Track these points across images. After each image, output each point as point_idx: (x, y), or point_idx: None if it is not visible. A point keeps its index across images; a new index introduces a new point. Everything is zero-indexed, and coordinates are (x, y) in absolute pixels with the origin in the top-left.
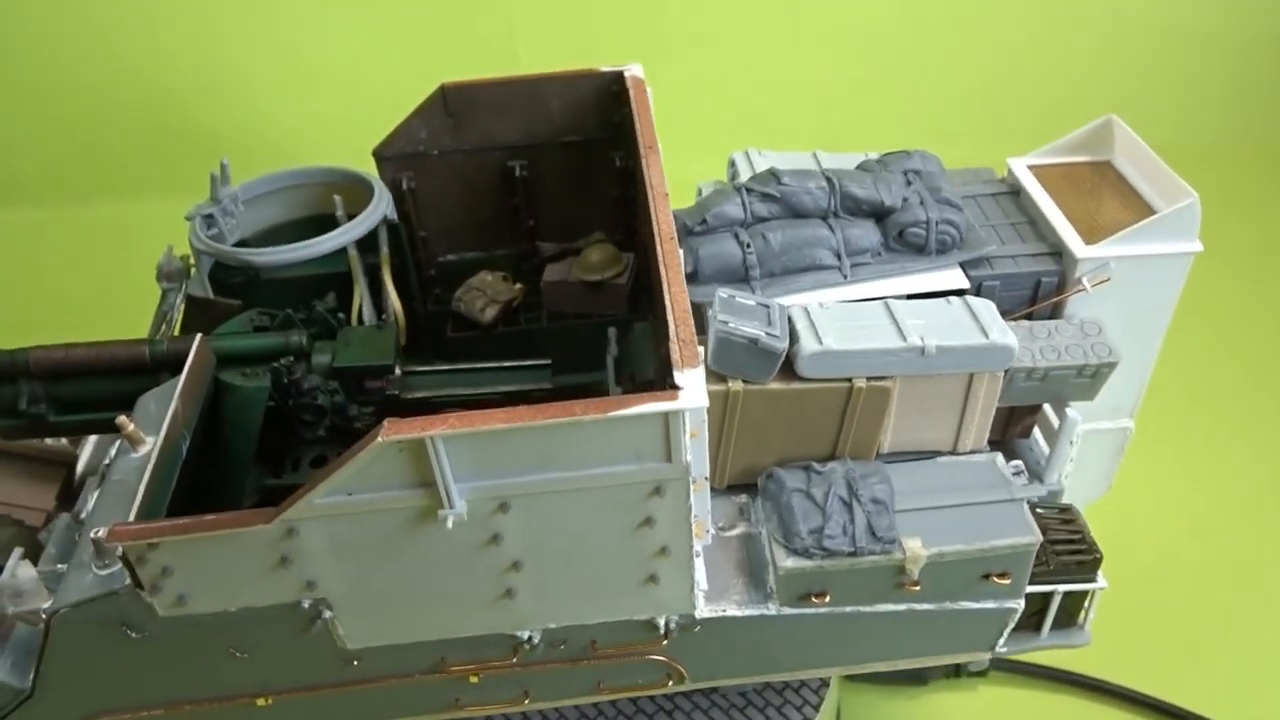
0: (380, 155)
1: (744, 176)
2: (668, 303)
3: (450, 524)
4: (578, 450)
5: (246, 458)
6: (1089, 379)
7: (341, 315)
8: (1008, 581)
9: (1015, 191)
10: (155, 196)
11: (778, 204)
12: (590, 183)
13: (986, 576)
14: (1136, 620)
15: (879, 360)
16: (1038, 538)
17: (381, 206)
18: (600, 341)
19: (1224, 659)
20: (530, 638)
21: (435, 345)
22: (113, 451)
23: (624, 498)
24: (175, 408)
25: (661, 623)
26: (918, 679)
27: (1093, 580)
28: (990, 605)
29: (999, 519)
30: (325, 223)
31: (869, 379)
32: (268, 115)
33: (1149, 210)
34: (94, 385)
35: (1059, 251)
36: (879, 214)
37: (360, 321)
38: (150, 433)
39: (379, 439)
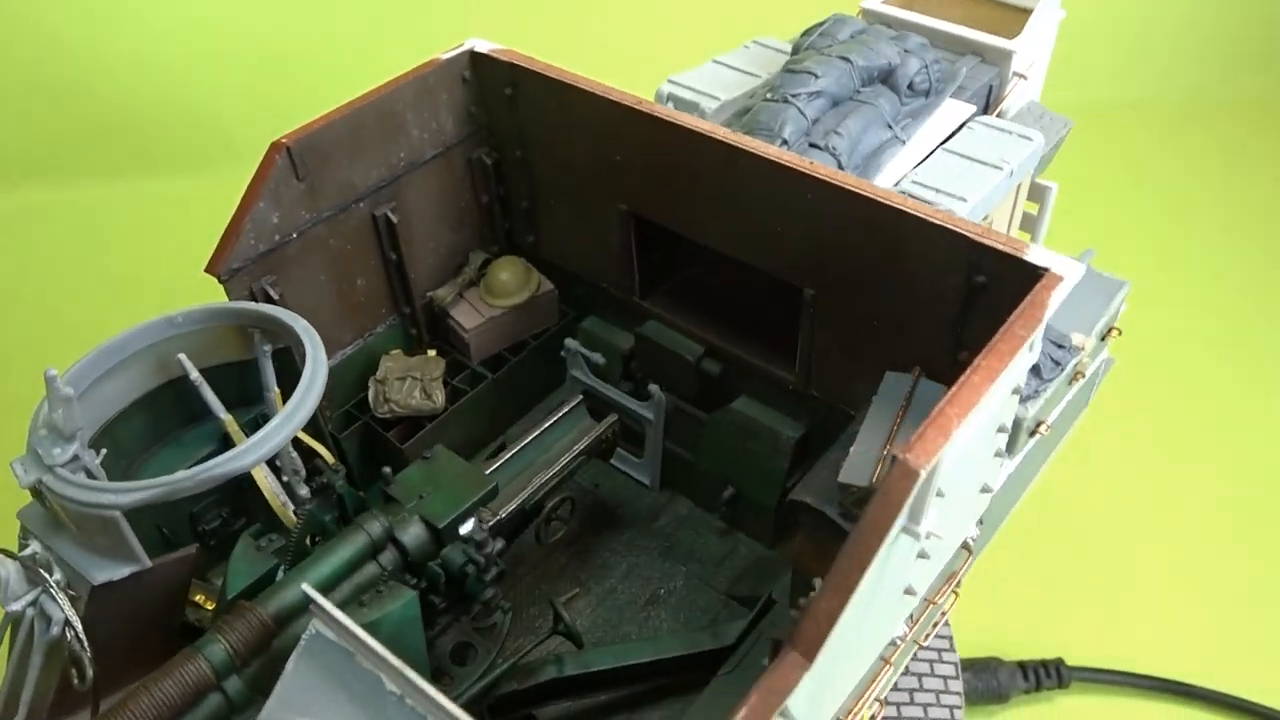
0: (227, 272)
1: (705, 105)
2: (944, 222)
3: (936, 539)
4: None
5: None
6: (1057, 149)
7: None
8: (1117, 334)
9: (887, 24)
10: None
11: (822, 99)
12: (459, 197)
13: (1104, 337)
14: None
15: (994, 195)
16: (1127, 287)
17: (321, 354)
18: (543, 360)
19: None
20: (902, 635)
21: (373, 464)
22: None
23: (1005, 404)
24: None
25: (975, 532)
26: (998, 697)
27: None
28: (1099, 363)
29: (1096, 291)
30: (175, 391)
31: (985, 217)
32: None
33: None
34: None
35: (982, 55)
36: (885, 76)
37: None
38: None
39: (920, 474)
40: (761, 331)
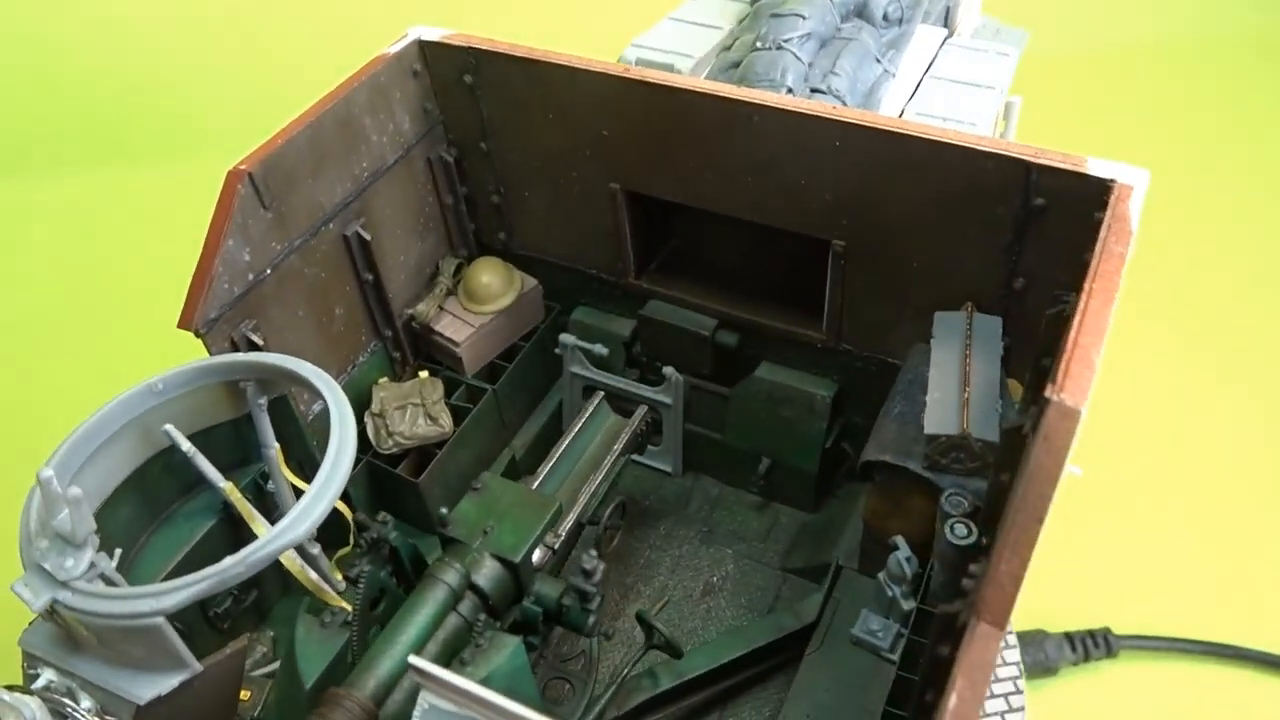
0: (205, 323)
1: (680, 65)
2: (995, 148)
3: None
4: None
5: None
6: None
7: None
8: None
9: None
10: None
11: (812, 40)
12: (422, 202)
13: None
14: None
15: (992, 115)
16: None
17: (342, 399)
18: (538, 361)
19: None
20: None
21: (383, 506)
22: None
23: None
24: None
25: None
26: (1046, 670)
27: None
28: None
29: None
30: (163, 462)
31: None
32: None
33: None
34: None
35: None
36: (860, 9)
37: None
38: None
39: (1081, 412)
40: (777, 292)
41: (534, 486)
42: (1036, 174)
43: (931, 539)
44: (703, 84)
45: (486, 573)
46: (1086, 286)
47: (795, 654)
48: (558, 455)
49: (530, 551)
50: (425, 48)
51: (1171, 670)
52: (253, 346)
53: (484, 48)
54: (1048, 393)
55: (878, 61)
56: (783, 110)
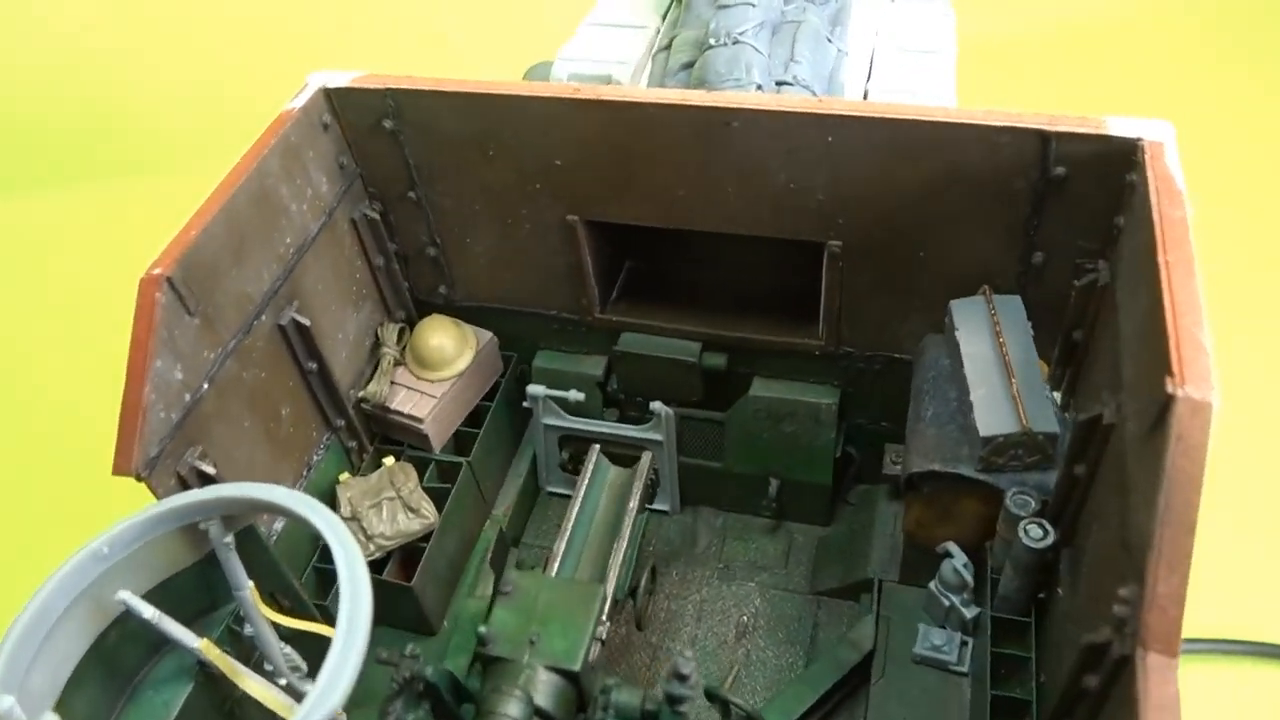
0: (145, 465)
1: (618, 74)
2: (1008, 121)
3: None
4: None
5: None
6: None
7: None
8: None
9: None
10: None
11: (764, 29)
12: (351, 269)
13: None
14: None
15: (950, 80)
16: None
17: (342, 529)
18: (506, 419)
19: None
20: None
21: (381, 606)
22: None
23: None
24: None
25: None
26: None
27: None
28: None
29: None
30: (122, 630)
31: None
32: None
33: None
34: None
35: None
36: None
37: None
38: None
39: (1212, 404)
40: (760, 303)
41: (552, 571)
42: (1055, 142)
43: (982, 541)
44: (669, 94)
45: (545, 689)
46: (1161, 259)
47: (858, 683)
48: (569, 529)
49: (588, 653)
50: (332, 95)
51: (1216, 672)
52: (204, 477)
53: (405, 86)
54: (1169, 388)
55: (829, 41)
56: (765, 111)
